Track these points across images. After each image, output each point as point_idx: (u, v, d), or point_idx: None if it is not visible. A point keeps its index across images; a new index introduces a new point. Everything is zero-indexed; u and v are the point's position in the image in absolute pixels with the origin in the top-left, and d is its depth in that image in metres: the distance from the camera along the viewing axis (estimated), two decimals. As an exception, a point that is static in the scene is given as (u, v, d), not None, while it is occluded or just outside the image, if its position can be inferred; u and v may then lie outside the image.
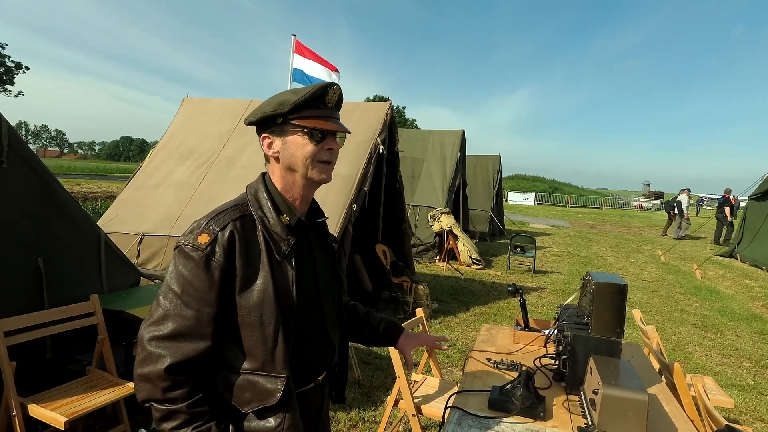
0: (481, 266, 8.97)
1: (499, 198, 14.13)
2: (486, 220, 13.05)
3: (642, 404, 1.45)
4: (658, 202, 43.03)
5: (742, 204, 13.43)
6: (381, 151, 5.08)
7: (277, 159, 1.16)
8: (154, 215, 5.03)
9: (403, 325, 2.57)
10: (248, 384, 1.10)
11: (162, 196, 5.23)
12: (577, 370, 1.82)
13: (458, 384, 2.36)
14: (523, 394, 1.68)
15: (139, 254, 4.78)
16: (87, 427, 2.81)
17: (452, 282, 7.57)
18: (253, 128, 1.20)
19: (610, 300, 1.79)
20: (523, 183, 48.29)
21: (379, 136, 5.11)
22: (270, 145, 1.16)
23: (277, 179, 1.19)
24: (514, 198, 37.97)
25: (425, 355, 2.92)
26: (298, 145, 1.13)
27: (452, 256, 9.14)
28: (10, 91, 36.61)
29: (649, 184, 59.64)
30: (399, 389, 2.48)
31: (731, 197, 14.83)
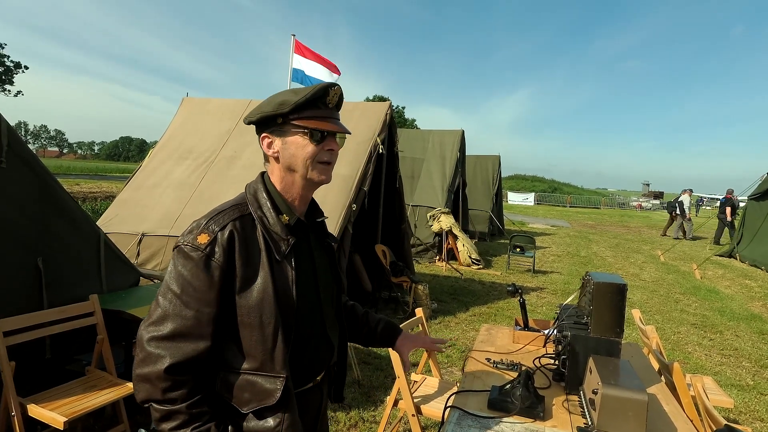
0: (481, 266, 8.98)
1: (498, 198, 14.14)
2: (485, 220, 13.05)
3: (641, 404, 1.45)
4: (657, 202, 43.08)
5: (741, 204, 13.44)
6: (381, 151, 5.08)
7: (276, 159, 1.16)
8: (153, 215, 5.03)
9: (402, 325, 2.58)
10: (247, 384, 1.09)
11: (161, 196, 5.22)
12: (577, 370, 1.82)
13: (458, 384, 2.36)
14: (523, 394, 1.68)
15: (138, 254, 4.78)
16: (86, 427, 2.81)
17: (452, 282, 7.57)
18: (253, 128, 1.20)
19: (610, 300, 1.79)
20: (522, 183, 48.31)
21: (378, 136, 5.11)
22: (270, 145, 1.16)
23: (276, 179, 1.18)
24: (513, 198, 37.98)
25: (425, 355, 2.92)
26: (298, 146, 1.13)
27: (452, 256, 9.14)
28: (9, 90, 36.61)
29: (648, 184, 59.73)
30: (398, 389, 2.48)
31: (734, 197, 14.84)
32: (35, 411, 2.26)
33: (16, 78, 36.87)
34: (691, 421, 1.74)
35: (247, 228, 1.11)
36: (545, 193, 43.08)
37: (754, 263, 10.65)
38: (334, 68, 7.43)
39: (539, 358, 2.16)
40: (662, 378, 2.20)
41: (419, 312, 2.92)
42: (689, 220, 16.14)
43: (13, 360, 2.29)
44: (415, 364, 3.59)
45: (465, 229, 10.60)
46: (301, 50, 7.27)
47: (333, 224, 4.37)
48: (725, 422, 1.68)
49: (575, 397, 1.81)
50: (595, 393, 1.52)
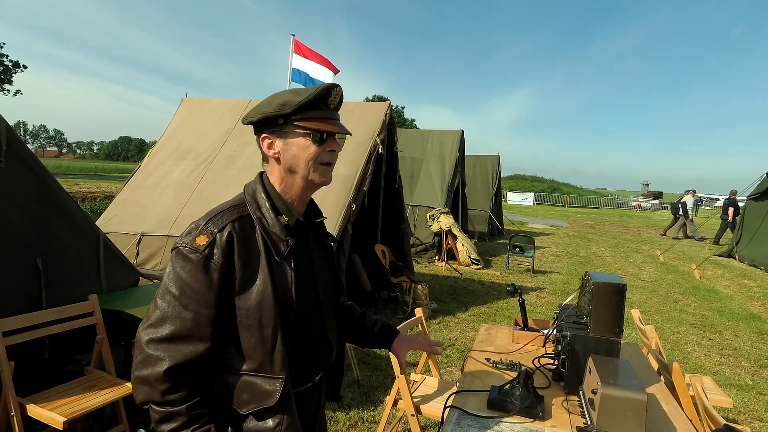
0: (480, 266, 8.98)
1: (498, 198, 14.14)
2: (485, 220, 13.06)
3: (641, 404, 1.45)
4: (657, 202, 43.11)
5: (740, 204, 13.45)
6: (380, 151, 5.09)
7: (277, 160, 1.15)
8: (152, 215, 5.03)
9: (402, 325, 2.58)
10: (246, 385, 1.09)
11: (161, 196, 5.22)
12: (576, 369, 1.82)
13: (457, 384, 2.36)
14: (522, 394, 1.68)
15: (137, 254, 4.78)
16: (86, 427, 2.81)
17: (451, 282, 7.57)
18: (252, 127, 1.20)
19: (609, 300, 1.79)
20: (522, 183, 48.32)
21: (378, 136, 5.11)
22: (270, 146, 1.15)
23: (275, 180, 1.18)
24: (513, 198, 38.00)
25: (424, 355, 2.92)
26: (300, 147, 1.13)
27: (451, 256, 9.14)
28: (8, 90, 36.58)
29: (648, 184, 59.75)
30: (398, 389, 2.48)
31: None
32: (34, 411, 2.26)
33: (15, 77, 36.85)
34: (691, 420, 1.75)
35: (246, 229, 1.10)
36: (544, 193, 43.10)
37: (753, 263, 10.66)
38: (332, 67, 7.43)
39: (539, 358, 2.16)
40: (661, 378, 2.20)
41: (419, 312, 2.92)
42: (692, 220, 16.10)
43: (13, 360, 2.29)
44: (415, 364, 3.59)
45: (464, 229, 10.61)
46: (301, 50, 7.27)
47: (332, 224, 4.37)
48: (724, 422, 1.68)
49: (575, 397, 1.81)
50: (594, 393, 1.52)
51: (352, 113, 5.35)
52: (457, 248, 9.08)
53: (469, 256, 8.99)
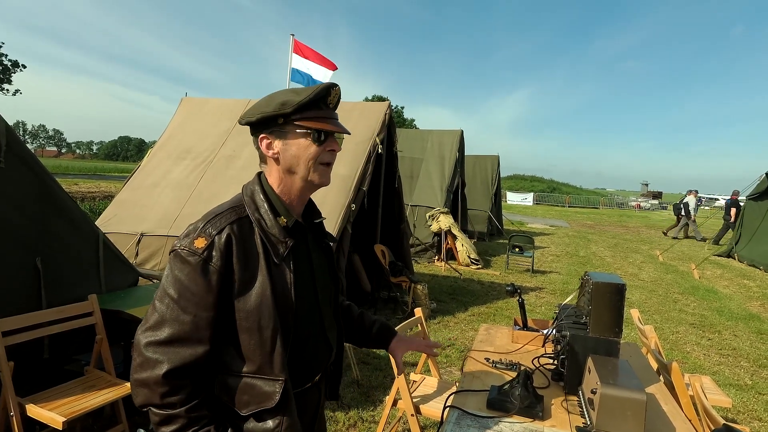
0: (480, 266, 8.98)
1: (497, 198, 14.14)
2: (484, 220, 13.06)
3: (640, 404, 1.45)
4: (656, 202, 43.15)
5: (742, 204, 13.45)
6: (380, 151, 5.09)
7: (276, 160, 1.14)
8: (152, 215, 5.03)
9: (401, 325, 2.58)
10: (246, 387, 1.09)
11: (160, 196, 5.22)
12: (576, 369, 1.82)
13: (457, 384, 2.36)
14: (522, 394, 1.68)
15: (137, 254, 4.78)
16: (85, 427, 2.81)
17: (451, 282, 7.57)
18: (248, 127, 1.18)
19: (609, 300, 1.79)
20: (521, 183, 48.34)
21: (377, 136, 5.11)
22: (269, 146, 1.14)
23: (274, 180, 1.17)
24: (512, 198, 38.02)
25: (423, 355, 2.92)
26: (300, 147, 1.12)
27: (451, 256, 9.14)
28: (7, 90, 36.55)
29: (647, 184, 59.83)
30: (398, 389, 2.48)
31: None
32: (34, 411, 2.26)
33: (14, 77, 36.81)
34: (690, 420, 1.75)
35: (244, 231, 1.09)
36: (544, 193, 43.12)
37: (753, 263, 10.67)
38: (330, 64, 7.43)
39: (538, 357, 2.17)
40: (661, 378, 2.21)
41: (418, 312, 2.92)
42: (694, 221, 16.06)
43: (12, 360, 2.29)
44: (414, 364, 3.60)
45: (464, 229, 10.61)
46: (300, 50, 7.27)
47: (332, 224, 4.37)
48: (723, 422, 1.68)
49: (574, 397, 1.81)
50: (593, 393, 1.52)
51: (351, 113, 5.35)
52: (456, 248, 9.08)
53: (469, 256, 9.00)
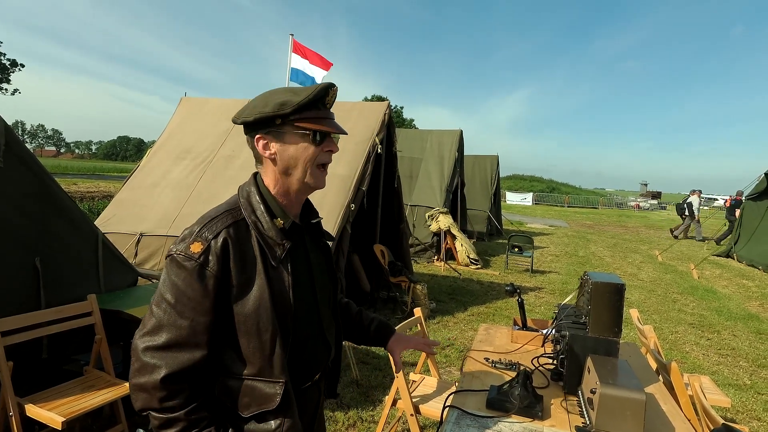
0: (479, 266, 8.98)
1: (497, 198, 14.15)
2: (484, 220, 13.07)
3: (639, 403, 1.45)
4: (655, 202, 43.17)
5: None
6: (379, 151, 5.09)
7: (273, 161, 1.13)
8: (151, 215, 5.02)
9: (401, 325, 2.58)
10: (247, 389, 1.09)
11: (160, 196, 5.22)
12: (575, 369, 1.83)
13: (456, 384, 2.36)
14: (521, 394, 1.68)
15: (136, 254, 4.78)
16: (84, 427, 2.80)
17: (450, 282, 7.57)
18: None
19: (608, 300, 1.79)
20: (521, 183, 48.34)
21: (377, 136, 5.11)
22: (266, 147, 1.12)
23: (270, 181, 1.16)
24: (512, 198, 38.04)
25: (423, 354, 2.92)
26: (298, 148, 1.11)
27: (450, 256, 9.14)
28: (6, 89, 36.52)
29: (646, 184, 59.81)
30: (397, 389, 2.49)
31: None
32: (33, 411, 2.26)
33: (13, 77, 36.79)
34: (689, 420, 1.75)
35: (241, 234, 1.09)
36: (543, 193, 43.14)
37: (752, 263, 10.68)
38: (326, 63, 7.44)
39: (538, 357, 2.17)
40: (660, 377, 2.21)
41: (417, 312, 2.92)
42: (698, 221, 16.01)
43: (11, 360, 2.29)
44: (414, 364, 3.60)
45: (463, 229, 10.61)
46: (299, 50, 7.28)
47: (331, 224, 4.37)
48: (723, 421, 1.68)
49: (573, 397, 1.81)
50: (593, 392, 1.52)
51: (350, 113, 5.35)
52: (456, 248, 9.08)
53: (468, 256, 9.00)
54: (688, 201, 16.03)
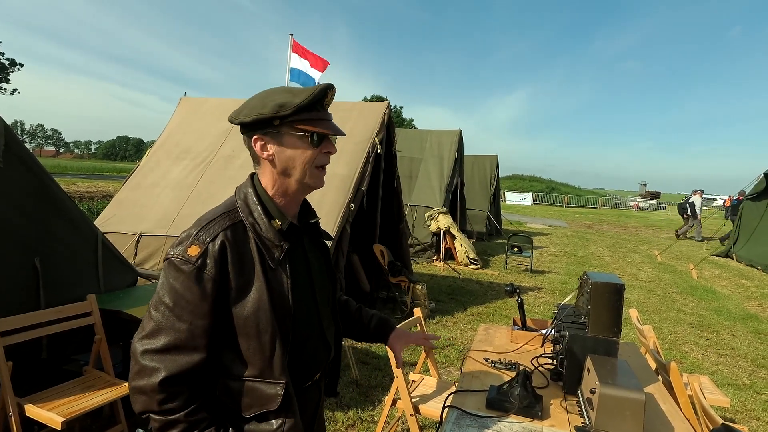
0: (479, 266, 8.99)
1: (496, 198, 14.15)
2: (483, 219, 13.07)
3: (639, 403, 1.45)
4: (654, 202, 43.19)
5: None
6: (379, 151, 5.09)
7: (271, 162, 1.13)
8: (151, 215, 5.02)
9: (400, 324, 2.58)
10: (248, 390, 1.09)
11: (159, 196, 5.22)
12: (575, 369, 1.83)
13: (456, 384, 2.36)
14: (521, 394, 1.69)
15: (136, 254, 4.77)
16: (84, 428, 2.80)
17: (450, 282, 7.58)
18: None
19: (608, 300, 1.80)
20: (520, 183, 48.37)
21: (376, 136, 5.11)
22: (263, 148, 1.11)
23: (267, 182, 1.15)
24: (511, 198, 38.05)
25: (423, 354, 2.92)
26: (297, 149, 1.11)
27: (450, 255, 9.15)
28: (5, 89, 36.48)
29: (645, 184, 59.80)
30: (397, 389, 2.49)
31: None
32: (33, 411, 2.26)
33: (12, 76, 36.76)
34: (688, 420, 1.75)
35: (238, 236, 1.08)
36: (543, 193, 43.16)
37: (751, 263, 10.70)
38: (322, 62, 7.45)
39: (537, 357, 2.17)
40: (659, 377, 2.21)
41: (417, 312, 2.92)
42: (699, 221, 15.97)
43: (11, 360, 2.29)
44: (414, 364, 3.60)
45: (463, 229, 10.62)
46: (299, 50, 7.29)
47: (331, 224, 4.37)
48: (722, 421, 1.68)
49: (573, 397, 1.81)
50: (592, 392, 1.53)
51: (350, 113, 5.35)
52: (455, 248, 9.08)
53: (468, 256, 9.00)
54: (690, 201, 15.97)
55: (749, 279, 9.41)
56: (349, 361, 3.79)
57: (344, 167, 4.79)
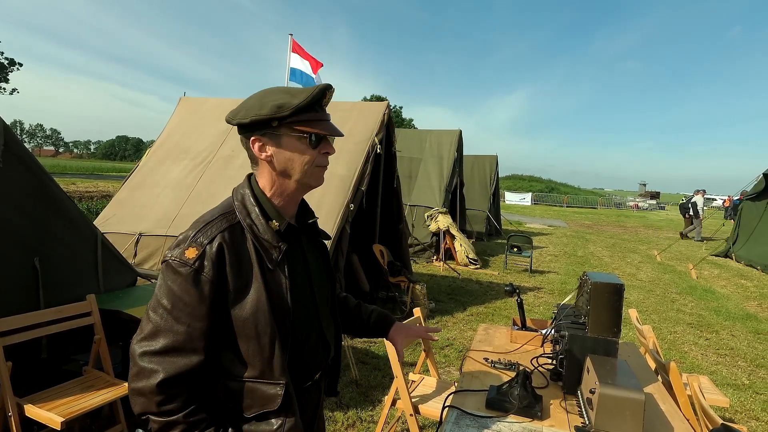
0: (478, 266, 8.99)
1: (496, 198, 14.16)
2: (483, 219, 13.08)
3: (639, 403, 1.45)
4: (654, 202, 43.21)
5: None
6: (378, 151, 5.08)
7: (270, 163, 1.12)
8: (151, 215, 5.02)
9: (400, 324, 2.57)
10: (248, 391, 1.09)
11: (159, 196, 5.21)
12: (574, 369, 1.83)
13: (456, 384, 2.36)
14: (521, 394, 1.69)
15: (135, 254, 4.77)
16: (84, 428, 2.80)
17: (449, 282, 7.58)
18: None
19: (607, 300, 1.80)
20: (519, 183, 48.38)
21: (376, 136, 5.10)
22: (262, 149, 1.11)
23: (265, 183, 1.15)
24: (510, 198, 38.07)
25: (422, 355, 2.93)
26: (296, 150, 1.10)
27: (449, 255, 9.15)
28: (4, 89, 36.45)
29: (645, 185, 59.83)
30: (396, 389, 2.49)
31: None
32: (32, 411, 2.25)
33: (11, 76, 36.72)
34: (688, 420, 1.76)
35: (236, 238, 1.08)
36: (542, 193, 43.17)
37: (750, 263, 10.70)
38: (316, 63, 7.47)
39: (537, 357, 2.17)
40: (659, 377, 2.21)
41: (417, 312, 2.92)
42: (700, 222, 15.92)
43: (10, 360, 2.29)
44: (413, 364, 3.60)
45: (462, 229, 10.62)
46: (298, 50, 7.29)
47: (331, 224, 4.37)
48: (722, 421, 1.69)
49: (573, 397, 1.82)
50: (592, 392, 1.53)
51: (350, 113, 5.34)
52: (455, 248, 9.09)
53: (467, 256, 9.01)
54: (692, 200, 15.93)
55: (748, 279, 9.42)
56: (349, 361, 3.79)
57: (344, 167, 4.79)
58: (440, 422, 1.71)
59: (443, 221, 9.01)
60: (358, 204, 4.76)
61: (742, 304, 7.35)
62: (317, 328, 1.24)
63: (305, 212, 1.28)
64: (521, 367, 1.97)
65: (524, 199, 38.57)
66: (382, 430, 2.75)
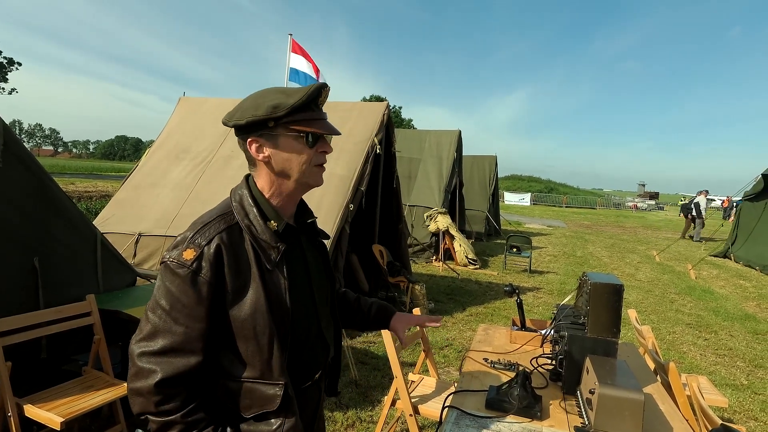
0: (478, 266, 8.99)
1: (495, 198, 14.17)
2: (482, 220, 13.09)
3: (638, 404, 1.46)
4: (653, 202, 43.25)
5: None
6: (378, 151, 5.09)
7: (267, 164, 1.12)
8: (150, 215, 5.02)
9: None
10: (248, 391, 1.09)
11: (158, 196, 5.21)
12: (574, 370, 1.83)
13: (455, 384, 2.37)
14: (520, 394, 1.69)
15: (135, 254, 4.77)
16: (83, 428, 2.80)
17: (449, 282, 7.58)
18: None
19: (607, 300, 1.80)
20: (519, 183, 48.43)
21: (376, 136, 5.11)
22: (259, 150, 1.11)
23: (263, 184, 1.15)
24: (510, 198, 38.10)
25: (422, 355, 2.93)
26: (293, 150, 1.10)
27: (448, 256, 9.15)
28: (3, 88, 36.39)
29: (644, 185, 59.86)
30: (396, 389, 2.49)
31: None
32: (32, 411, 2.25)
33: (10, 76, 36.65)
34: (687, 420, 1.76)
35: (234, 239, 1.08)
36: (541, 194, 43.21)
37: (749, 263, 10.72)
38: (315, 69, 7.50)
39: (536, 358, 2.17)
40: (658, 378, 2.21)
41: (416, 312, 2.92)
42: (702, 223, 15.89)
43: (10, 360, 2.29)
44: (413, 364, 3.60)
45: (462, 230, 10.62)
46: (298, 49, 7.30)
47: (330, 224, 4.37)
48: (721, 422, 1.69)
49: (572, 397, 1.82)
50: (592, 393, 1.53)
51: (350, 113, 5.34)
52: (454, 248, 9.09)
53: (467, 256, 9.01)
54: (695, 201, 15.89)
55: (747, 279, 9.44)
56: (348, 361, 3.79)
57: (343, 167, 4.79)
58: (440, 422, 1.71)
59: (442, 221, 9.01)
60: (358, 204, 4.76)
61: (741, 305, 7.36)
62: (317, 328, 1.24)
63: (304, 212, 1.28)
64: (521, 368, 1.98)
65: (523, 199, 38.60)
66: (381, 430, 2.75)
